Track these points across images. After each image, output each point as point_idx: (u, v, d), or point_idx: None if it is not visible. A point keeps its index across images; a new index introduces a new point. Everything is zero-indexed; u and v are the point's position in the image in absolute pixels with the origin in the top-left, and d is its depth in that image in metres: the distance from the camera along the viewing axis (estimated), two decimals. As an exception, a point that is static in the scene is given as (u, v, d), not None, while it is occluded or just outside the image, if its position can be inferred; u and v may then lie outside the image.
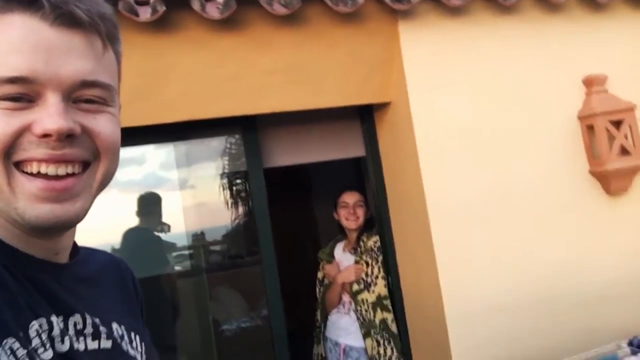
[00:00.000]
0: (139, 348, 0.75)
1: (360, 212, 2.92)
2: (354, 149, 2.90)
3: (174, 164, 2.90)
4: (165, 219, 3.24)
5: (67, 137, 0.61)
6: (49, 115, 0.60)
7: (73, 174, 0.63)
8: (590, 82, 2.56)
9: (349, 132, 2.90)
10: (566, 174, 2.58)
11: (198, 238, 3.55)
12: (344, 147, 2.90)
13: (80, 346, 0.63)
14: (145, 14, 2.02)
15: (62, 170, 0.62)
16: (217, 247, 4.54)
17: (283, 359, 2.62)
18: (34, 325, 0.58)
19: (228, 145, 3.04)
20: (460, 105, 2.48)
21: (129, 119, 2.23)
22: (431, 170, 2.42)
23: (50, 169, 0.61)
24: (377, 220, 2.86)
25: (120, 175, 3.02)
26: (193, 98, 2.30)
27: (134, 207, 3.15)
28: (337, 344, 2.90)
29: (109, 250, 3.09)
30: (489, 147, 2.49)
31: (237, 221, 4.45)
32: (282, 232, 5.49)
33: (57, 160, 0.61)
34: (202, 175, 3.23)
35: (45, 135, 0.60)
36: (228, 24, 2.20)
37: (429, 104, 2.45)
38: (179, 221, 3.21)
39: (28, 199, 0.60)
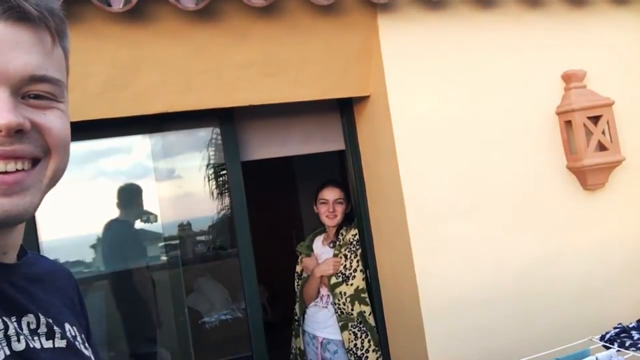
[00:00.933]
0: (90, 350, 0.75)
1: (339, 209, 2.90)
2: (334, 142, 2.89)
3: (151, 156, 2.87)
4: (144, 210, 3.22)
5: (16, 133, 0.60)
6: None
7: (22, 170, 0.62)
8: (569, 78, 2.56)
9: (329, 125, 2.88)
10: (544, 169, 2.59)
11: (177, 230, 3.53)
12: (324, 140, 2.88)
13: (36, 345, 0.63)
14: (117, 4, 1.98)
15: (11, 166, 0.61)
16: (197, 239, 4.53)
17: (260, 351, 2.62)
18: None
19: (207, 138, 3.02)
20: (439, 99, 2.47)
21: (103, 110, 2.22)
22: (408, 164, 2.42)
23: (0, 165, 0.60)
24: (356, 214, 2.86)
25: (98, 166, 2.99)
26: (169, 90, 2.27)
27: (114, 198, 3.12)
28: (314, 337, 2.91)
29: (93, 241, 3.08)
30: (467, 141, 2.49)
31: (218, 213, 4.43)
32: (269, 224, 5.51)
33: (7, 157, 0.60)
34: (182, 168, 3.20)
35: None
36: (204, 15, 2.17)
37: (408, 98, 2.44)
38: (156, 213, 3.18)
39: None
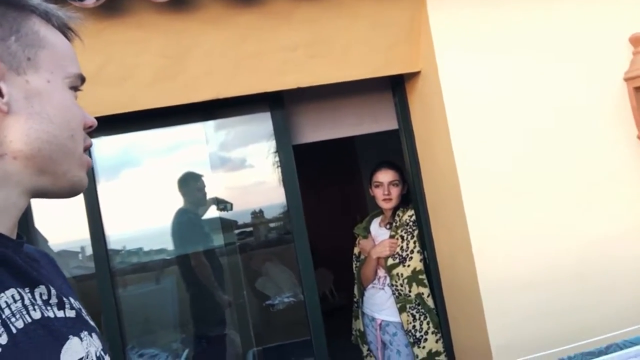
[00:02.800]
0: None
1: (395, 192, 2.84)
2: (387, 122, 2.84)
3: (204, 144, 2.94)
4: (217, 196, 3.31)
5: None
6: (85, 112, 0.78)
7: None
8: (637, 41, 2.36)
9: (381, 104, 2.83)
10: (611, 140, 2.41)
11: (243, 216, 3.61)
12: (375, 120, 2.84)
13: (50, 314, 0.67)
14: (161, -6, 2.03)
15: None
16: (264, 224, 4.62)
17: (317, 334, 2.63)
18: (3, 297, 0.61)
19: (267, 122, 3.05)
20: (493, 72, 2.35)
21: (155, 99, 2.28)
22: (462, 141, 2.33)
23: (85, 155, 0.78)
24: (412, 194, 2.79)
25: (155, 156, 3.11)
26: (217, 77, 2.31)
27: (179, 188, 3.23)
28: (373, 319, 2.89)
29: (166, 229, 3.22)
30: (525, 114, 2.36)
31: (281, 198, 4.48)
32: (333, 208, 5.50)
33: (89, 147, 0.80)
34: (242, 153, 3.27)
35: (90, 127, 0.78)
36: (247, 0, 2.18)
37: (459, 72, 2.34)
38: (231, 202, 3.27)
39: (85, 169, 0.77)
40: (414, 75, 2.57)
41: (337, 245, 4.94)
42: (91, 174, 2.52)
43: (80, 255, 3.28)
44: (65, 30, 0.78)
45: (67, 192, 0.75)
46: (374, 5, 2.31)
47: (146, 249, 3.31)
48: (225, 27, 2.23)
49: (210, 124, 2.88)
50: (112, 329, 2.50)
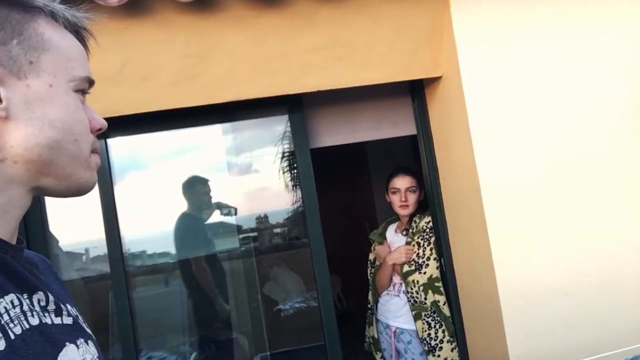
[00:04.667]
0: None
1: (412, 198, 2.81)
2: (405, 127, 2.81)
3: (227, 146, 2.93)
4: (220, 201, 3.29)
5: None
6: (95, 114, 0.77)
7: None
8: (663, 49, 2.34)
9: (400, 109, 2.81)
10: (635, 147, 2.38)
11: (251, 220, 3.59)
12: (394, 125, 2.81)
13: (47, 321, 0.67)
14: (186, -7, 2.01)
15: None
16: (272, 230, 4.59)
17: (332, 340, 2.60)
18: (2, 303, 0.61)
19: (280, 128, 3.03)
20: (516, 77, 2.33)
21: (176, 100, 2.26)
22: (484, 146, 2.30)
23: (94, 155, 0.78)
24: (430, 201, 2.76)
25: (176, 158, 3.09)
26: (237, 78, 2.29)
27: (184, 192, 3.21)
28: (387, 326, 2.85)
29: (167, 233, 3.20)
30: (548, 120, 2.33)
31: (292, 204, 4.46)
32: (342, 214, 5.48)
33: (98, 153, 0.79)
34: (256, 156, 3.25)
35: (99, 130, 0.77)
36: (270, 1, 2.16)
37: (482, 77, 2.32)
38: (231, 204, 3.25)
39: (93, 170, 0.76)
40: (434, 80, 2.55)
41: (345, 251, 4.92)
42: (108, 174, 2.50)
43: (84, 257, 3.26)
44: (76, 30, 0.77)
45: (74, 193, 0.75)
46: (396, 8, 2.30)
47: (159, 251, 3.29)
48: (247, 28, 2.22)
49: (227, 126, 2.86)
50: (125, 330, 2.47)
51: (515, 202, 2.30)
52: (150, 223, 3.09)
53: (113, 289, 2.48)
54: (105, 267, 2.62)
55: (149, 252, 3.21)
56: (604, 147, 2.37)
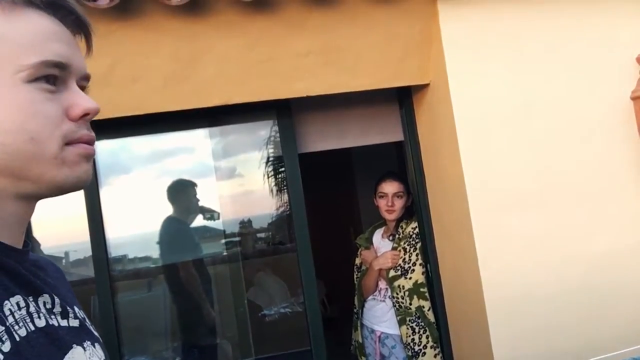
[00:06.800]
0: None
1: (399, 203, 2.83)
2: (393, 133, 2.84)
3: (212, 150, 2.92)
4: (204, 205, 3.27)
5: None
6: (82, 97, 0.68)
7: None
8: (644, 60, 2.40)
9: (388, 116, 2.83)
10: (617, 158, 2.43)
11: (236, 225, 3.58)
12: (382, 131, 2.84)
13: (54, 322, 0.66)
14: (176, -4, 2.01)
15: None
16: (256, 234, 4.58)
17: (318, 345, 2.60)
18: (7, 305, 0.59)
19: (266, 133, 3.04)
20: (503, 86, 2.37)
21: (165, 103, 2.25)
22: (471, 154, 2.33)
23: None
24: (416, 206, 2.79)
25: (162, 164, 3.07)
26: (227, 82, 2.29)
27: (169, 195, 3.18)
28: (372, 331, 2.87)
29: (156, 237, 3.16)
30: (533, 129, 2.37)
31: (277, 209, 4.45)
32: (326, 219, 5.48)
33: (92, 143, 0.70)
34: (240, 161, 3.24)
35: (84, 115, 0.67)
36: (260, 5, 2.17)
37: (469, 85, 2.35)
38: (216, 208, 3.23)
39: (74, 163, 0.66)
40: (422, 87, 2.58)
41: (330, 256, 4.91)
42: (93, 177, 2.47)
43: (64, 260, 3.22)
44: (51, 3, 0.67)
45: (59, 192, 0.68)
46: (386, 16, 2.32)
47: (144, 254, 3.25)
48: (237, 33, 2.22)
49: (214, 130, 2.86)
50: (109, 335, 2.45)
51: (501, 209, 2.33)
52: (136, 226, 3.06)
53: (97, 292, 2.45)
54: (86, 271, 2.59)
55: (134, 255, 3.18)
56: (589, 155, 2.42)
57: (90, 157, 0.68)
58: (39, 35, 0.65)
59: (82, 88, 0.71)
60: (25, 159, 0.63)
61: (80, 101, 0.67)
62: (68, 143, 0.65)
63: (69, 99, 0.67)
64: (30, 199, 0.68)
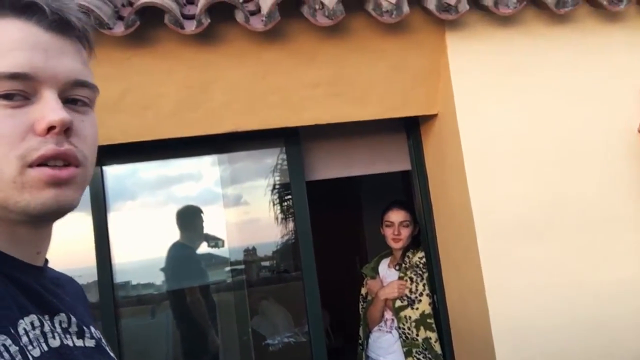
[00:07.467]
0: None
1: (405, 232, 2.82)
2: (400, 163, 2.85)
3: (218, 177, 2.93)
4: (208, 232, 3.27)
5: (65, 132, 0.62)
6: (51, 109, 0.60)
7: (71, 166, 0.64)
8: (650, 94, 2.41)
9: (395, 145, 2.85)
10: (623, 188, 2.43)
11: (241, 252, 3.57)
12: (389, 160, 2.85)
13: (69, 342, 0.65)
14: (190, 26, 2.05)
15: (60, 162, 0.63)
16: (261, 262, 4.56)
17: (323, 375, 2.56)
18: (22, 324, 0.59)
19: (274, 161, 3.05)
20: (510, 117, 2.38)
21: (175, 129, 2.28)
22: (478, 184, 2.33)
23: (58, 162, 0.62)
24: (423, 236, 2.78)
25: (169, 191, 3.08)
26: (237, 110, 2.32)
27: (178, 221, 3.19)
28: (379, 362, 2.83)
29: (162, 264, 3.16)
30: (540, 160, 2.38)
31: (282, 237, 4.44)
32: (332, 248, 5.47)
33: (60, 157, 0.61)
34: (246, 188, 3.25)
35: (50, 129, 0.60)
36: (272, 36, 2.21)
37: (477, 116, 2.37)
38: (222, 235, 3.23)
39: (35, 188, 0.60)
40: (429, 117, 2.60)
41: (335, 286, 4.87)
42: (102, 201, 2.49)
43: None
44: (27, 6, 0.61)
45: (32, 218, 0.62)
46: (395, 47, 2.35)
47: (149, 280, 3.24)
48: (248, 62, 2.26)
49: (222, 157, 2.88)
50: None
51: (508, 239, 2.32)
52: (142, 251, 3.06)
53: (102, 317, 2.44)
54: (90, 297, 2.57)
55: (139, 281, 3.17)
56: (597, 184, 2.41)
57: (57, 182, 0.61)
58: None
59: (75, 98, 0.65)
60: None
61: (45, 114, 0.60)
62: (31, 165, 0.59)
63: (37, 111, 0.60)
64: (25, 223, 0.63)
